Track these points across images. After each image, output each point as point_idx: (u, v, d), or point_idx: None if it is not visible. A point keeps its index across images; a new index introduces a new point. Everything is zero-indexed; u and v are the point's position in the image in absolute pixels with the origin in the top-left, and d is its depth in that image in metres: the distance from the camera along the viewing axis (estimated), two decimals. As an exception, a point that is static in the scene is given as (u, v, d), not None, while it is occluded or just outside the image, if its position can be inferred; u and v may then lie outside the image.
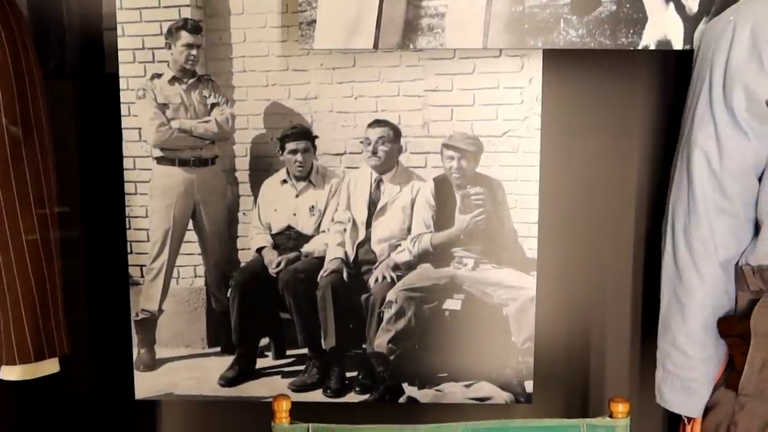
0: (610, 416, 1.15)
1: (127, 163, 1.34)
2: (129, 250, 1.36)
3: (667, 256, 1.19)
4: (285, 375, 1.39)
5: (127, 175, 1.34)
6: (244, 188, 1.35)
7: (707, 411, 1.20)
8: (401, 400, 1.38)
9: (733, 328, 1.14)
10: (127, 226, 1.36)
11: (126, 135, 1.34)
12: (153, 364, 1.39)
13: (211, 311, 1.38)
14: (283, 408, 1.16)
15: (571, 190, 1.37)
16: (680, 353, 1.18)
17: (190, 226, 1.36)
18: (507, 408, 1.38)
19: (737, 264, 1.14)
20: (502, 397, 1.37)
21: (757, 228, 1.13)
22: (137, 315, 1.38)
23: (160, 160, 1.34)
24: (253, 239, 1.36)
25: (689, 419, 1.24)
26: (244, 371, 1.39)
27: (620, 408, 1.15)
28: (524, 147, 1.31)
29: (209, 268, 1.37)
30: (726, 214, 1.11)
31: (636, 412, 1.41)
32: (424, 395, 1.38)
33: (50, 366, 1.18)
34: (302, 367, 1.39)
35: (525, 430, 1.16)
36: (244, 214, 1.36)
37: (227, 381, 1.39)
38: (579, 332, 1.42)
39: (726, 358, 1.20)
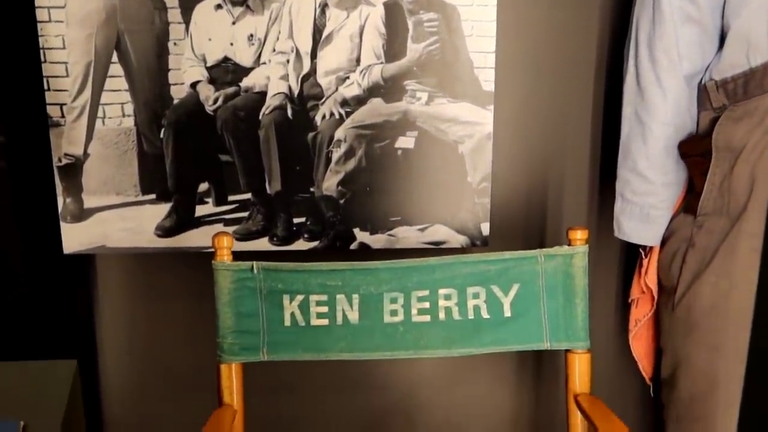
0: (568, 245, 1.12)
1: (37, -15, 1.18)
2: (46, 87, 1.22)
3: (629, 77, 1.13)
4: (227, 223, 1.30)
5: (38, 0, 1.18)
6: (174, 14, 1.20)
7: (664, 241, 1.18)
8: (353, 246, 1.32)
9: (694, 148, 1.10)
10: (42, 59, 1.21)
11: (34, -47, 1.17)
12: (81, 214, 1.27)
13: (143, 154, 1.26)
14: (224, 245, 1.09)
15: (532, 17, 1.28)
16: (640, 179, 1.15)
17: (115, 58, 1.22)
18: (463, 252, 1.33)
19: (700, 82, 1.10)
20: (457, 240, 1.32)
21: (722, 41, 1.07)
22: (60, 160, 1.25)
23: (75, -19, 1.18)
24: (186, 72, 1.23)
25: (646, 251, 1.22)
26: (182, 220, 1.29)
27: (578, 235, 1.11)
28: (481, -32, 1.21)
29: (138, 106, 1.24)
30: (692, 22, 1.05)
31: (594, 250, 1.39)
32: (377, 240, 1.32)
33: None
34: (246, 214, 1.30)
35: (482, 264, 1.12)
36: (175, 44, 1.22)
37: (165, 231, 1.29)
38: (537, 171, 1.37)
39: (685, 185, 1.17)
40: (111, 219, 1.28)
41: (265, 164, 1.27)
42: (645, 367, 1.33)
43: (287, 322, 1.10)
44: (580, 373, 1.11)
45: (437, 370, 1.49)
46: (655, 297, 1.23)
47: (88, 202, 1.27)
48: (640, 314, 1.29)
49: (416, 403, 1.51)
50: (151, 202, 1.28)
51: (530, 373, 1.50)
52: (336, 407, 1.50)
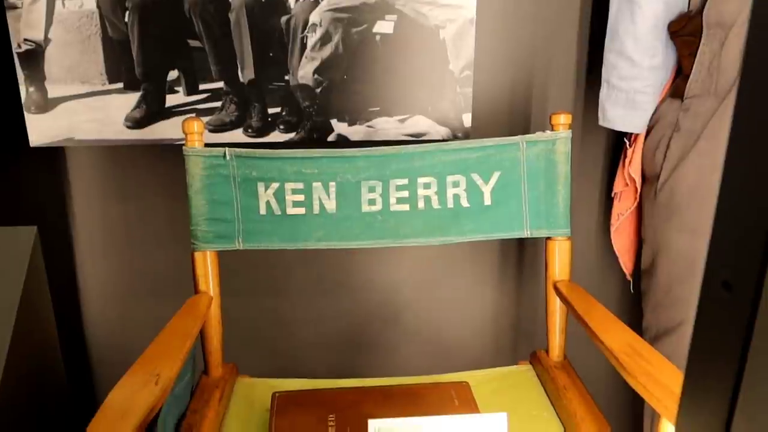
0: (551, 131, 1.09)
1: None
2: (-2, -35, 1.14)
3: (620, -49, 1.07)
4: (200, 113, 1.25)
5: None
6: None
7: (650, 129, 1.15)
8: (330, 138, 1.28)
9: (684, 27, 1.05)
10: (-8, -66, 1.13)
11: None
12: (45, 104, 1.22)
13: (108, 40, 1.19)
14: (194, 130, 1.04)
15: None
16: (627, 61, 1.10)
17: (71, -67, 1.14)
18: (443, 145, 1.30)
19: (694, -44, 1.04)
20: (438, 132, 1.29)
21: None
22: (19, 46, 1.18)
23: None
24: (149, -51, 1.16)
25: (631, 140, 1.19)
26: (152, 110, 1.24)
27: (561, 120, 1.08)
28: None
29: (99, -14, 1.17)
30: None
31: (579, 145, 1.36)
32: (355, 132, 1.28)
33: None
34: (219, 104, 1.25)
35: (462, 152, 1.08)
36: None
37: (134, 122, 1.24)
38: (522, 59, 1.31)
39: (673, 73, 1.13)
40: (77, 109, 1.22)
41: (236, 50, 1.21)
42: (626, 262, 1.33)
43: (262, 211, 1.08)
44: (560, 260, 1.10)
45: (419, 271, 1.48)
46: (639, 189, 1.21)
47: (53, 91, 1.21)
48: (623, 208, 1.28)
49: (399, 304, 1.51)
50: (118, 91, 1.22)
51: (512, 272, 1.50)
52: (319, 309, 1.50)
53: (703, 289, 0.35)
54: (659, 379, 0.73)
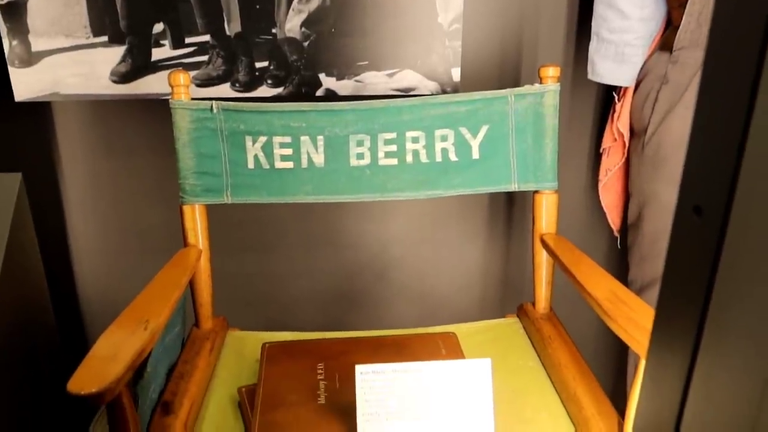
0: (540, 83, 1.09)
1: None
2: None
3: None
4: (186, 67, 1.23)
5: None
6: None
7: (638, 83, 1.15)
8: (318, 92, 1.27)
9: (675, -23, 1.04)
10: None
11: None
12: (29, 58, 1.20)
13: (91, -8, 1.18)
14: (180, 82, 1.03)
15: None
16: (617, 13, 1.10)
17: None
18: (432, 100, 1.29)
19: None
20: (427, 87, 1.28)
21: None
22: (1, -2, 1.16)
23: None
24: None
25: (619, 95, 1.19)
26: (137, 64, 1.22)
27: (550, 72, 1.07)
28: None
29: (81, -65, 1.14)
30: None
31: (568, 100, 1.36)
32: (344, 87, 1.27)
33: None
34: (205, 58, 1.23)
35: (451, 105, 1.08)
36: None
37: (120, 77, 1.23)
38: (512, 12, 1.30)
39: (663, 26, 1.13)
40: (62, 63, 1.21)
41: (222, 2, 1.19)
42: (613, 218, 1.34)
43: (251, 165, 1.08)
44: (547, 213, 1.11)
45: (409, 227, 1.49)
46: (627, 144, 1.21)
47: (36, 44, 1.19)
48: (611, 164, 1.28)
49: (389, 260, 1.52)
50: (103, 45, 1.21)
51: (501, 228, 1.51)
52: (309, 265, 1.51)
53: (676, 217, 0.36)
54: (640, 323, 0.74)
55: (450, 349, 1.01)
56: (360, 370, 0.77)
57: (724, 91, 0.32)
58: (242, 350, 1.07)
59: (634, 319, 0.75)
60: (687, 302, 0.35)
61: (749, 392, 0.32)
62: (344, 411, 0.81)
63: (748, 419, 0.32)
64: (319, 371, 0.93)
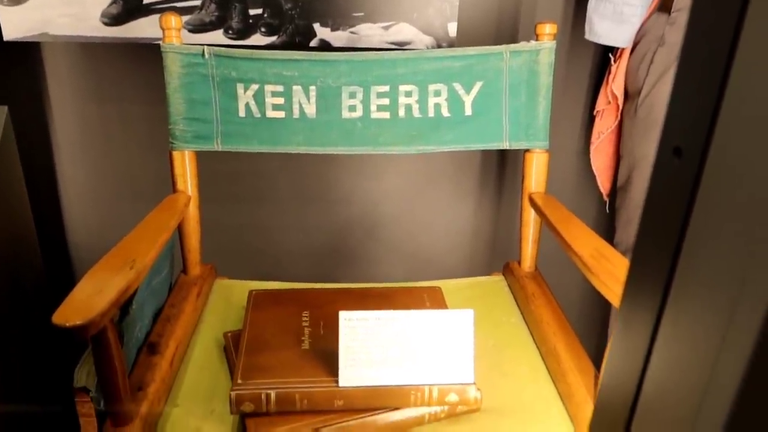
0: (536, 40, 1.08)
1: None
2: None
3: None
4: (179, 12, 1.20)
5: None
6: None
7: (635, 45, 1.14)
8: (312, 43, 1.26)
9: (678, -64, 1.03)
10: None
11: None
12: (19, -4, 1.18)
13: (82, -71, 1.15)
14: (171, 25, 1.02)
15: None
16: (617, -28, 1.08)
17: None
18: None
19: None
20: (423, 41, 1.27)
21: None
22: (-11, -68, 1.13)
23: None
24: None
25: (616, 56, 1.19)
26: (129, 6, 1.20)
27: (547, 30, 1.06)
28: None
29: None
30: None
31: (564, 56, 1.35)
32: (338, 38, 1.25)
33: None
34: (198, 3, 1.21)
35: (446, 60, 1.07)
36: None
37: (111, 18, 1.21)
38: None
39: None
40: (51, 3, 1.18)
41: (217, -54, 1.17)
42: (603, 182, 1.35)
43: (242, 113, 1.07)
44: (537, 172, 1.11)
45: (400, 184, 1.49)
46: (620, 107, 1.21)
47: (25, -18, 1.17)
48: (604, 126, 1.28)
49: (379, 216, 1.53)
50: (94, -15, 1.19)
51: (492, 188, 1.52)
52: (300, 219, 1.51)
53: (657, 160, 0.36)
54: (621, 278, 0.75)
55: (435, 302, 1.02)
56: (344, 316, 0.78)
57: (708, 34, 0.31)
58: (230, 297, 1.08)
59: (615, 274, 0.76)
60: (661, 246, 0.36)
61: (713, 331, 0.32)
62: (327, 356, 0.83)
63: (710, 360, 0.33)
64: (304, 318, 0.94)
